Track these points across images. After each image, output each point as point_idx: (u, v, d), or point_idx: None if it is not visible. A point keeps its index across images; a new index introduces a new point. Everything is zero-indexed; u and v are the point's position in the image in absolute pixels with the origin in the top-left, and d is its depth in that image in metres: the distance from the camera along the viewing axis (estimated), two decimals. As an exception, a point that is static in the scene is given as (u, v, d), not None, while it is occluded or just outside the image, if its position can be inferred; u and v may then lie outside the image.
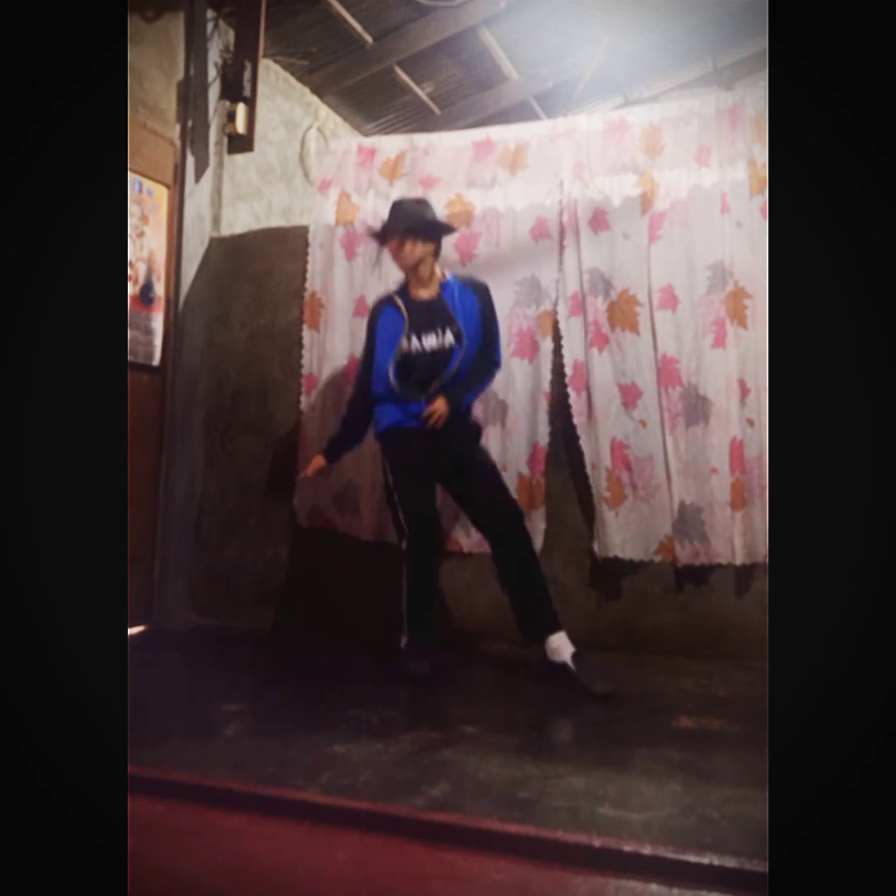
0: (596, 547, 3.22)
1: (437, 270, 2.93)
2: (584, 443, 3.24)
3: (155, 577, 3.72)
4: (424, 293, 2.90)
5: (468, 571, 3.41)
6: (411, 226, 2.82)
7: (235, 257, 3.89)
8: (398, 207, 2.89)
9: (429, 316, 2.86)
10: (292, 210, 4.72)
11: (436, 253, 2.90)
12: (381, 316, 2.93)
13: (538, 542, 3.27)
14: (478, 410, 3.20)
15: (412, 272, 2.89)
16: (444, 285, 2.91)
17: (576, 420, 3.25)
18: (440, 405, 2.79)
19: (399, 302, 2.90)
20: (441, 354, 2.83)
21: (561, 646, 2.70)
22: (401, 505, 2.87)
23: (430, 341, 2.84)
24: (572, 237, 3.30)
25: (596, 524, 3.23)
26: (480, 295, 2.92)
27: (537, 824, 1.61)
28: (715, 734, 2.25)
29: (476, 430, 3.04)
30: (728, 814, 1.69)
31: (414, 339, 2.83)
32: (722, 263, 3.11)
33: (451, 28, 4.74)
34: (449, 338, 2.83)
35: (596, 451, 3.23)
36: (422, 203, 2.93)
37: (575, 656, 2.67)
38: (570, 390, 3.26)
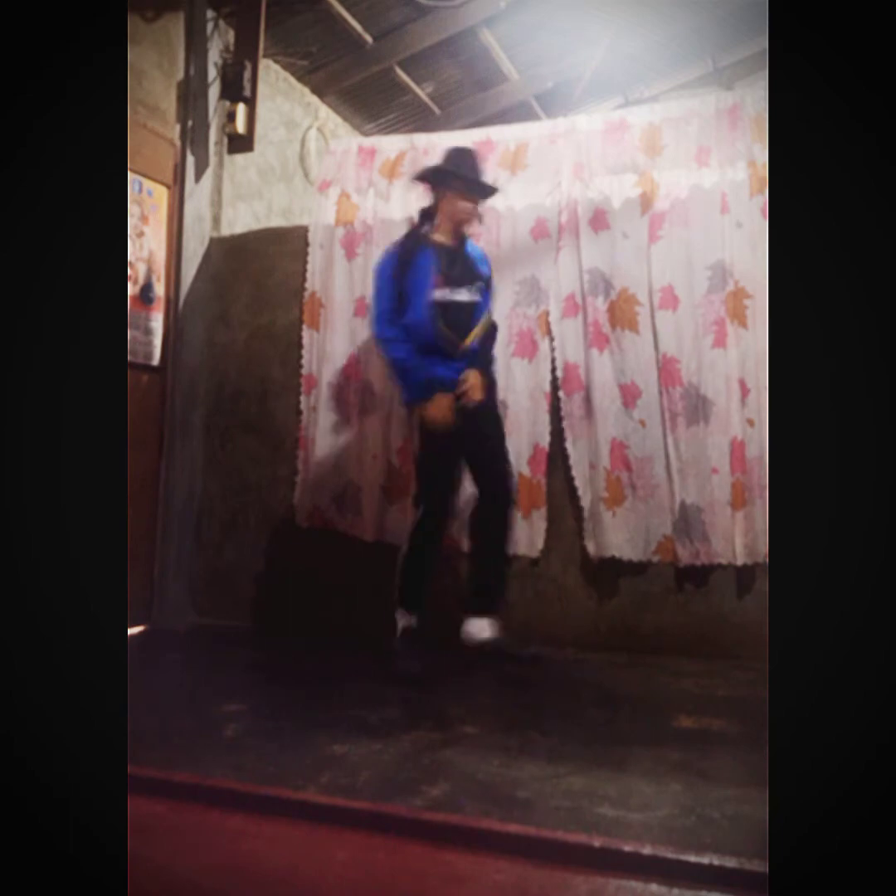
0: (590, 547, 3.21)
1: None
2: (571, 445, 3.25)
3: (155, 577, 3.72)
4: (451, 243, 2.87)
5: (468, 571, 3.40)
6: (482, 187, 2.83)
7: (235, 257, 3.89)
8: (467, 158, 2.85)
9: (461, 267, 2.82)
10: (292, 210, 4.71)
11: None
12: (415, 259, 2.77)
13: (538, 542, 3.28)
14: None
15: (457, 225, 2.86)
16: (465, 240, 2.91)
17: (564, 423, 3.26)
18: (475, 378, 2.73)
19: (432, 247, 2.82)
20: (470, 308, 2.80)
21: (484, 627, 2.78)
22: (421, 476, 2.87)
23: (462, 295, 2.79)
24: (572, 237, 3.30)
25: (588, 523, 3.23)
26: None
27: (537, 824, 1.61)
28: (715, 734, 2.25)
29: (492, 384, 2.98)
30: (728, 814, 1.69)
31: (452, 291, 2.77)
32: (722, 263, 3.11)
33: (451, 28, 4.73)
34: (474, 293, 2.82)
35: (595, 451, 3.23)
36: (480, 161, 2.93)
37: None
38: (561, 393, 3.27)
